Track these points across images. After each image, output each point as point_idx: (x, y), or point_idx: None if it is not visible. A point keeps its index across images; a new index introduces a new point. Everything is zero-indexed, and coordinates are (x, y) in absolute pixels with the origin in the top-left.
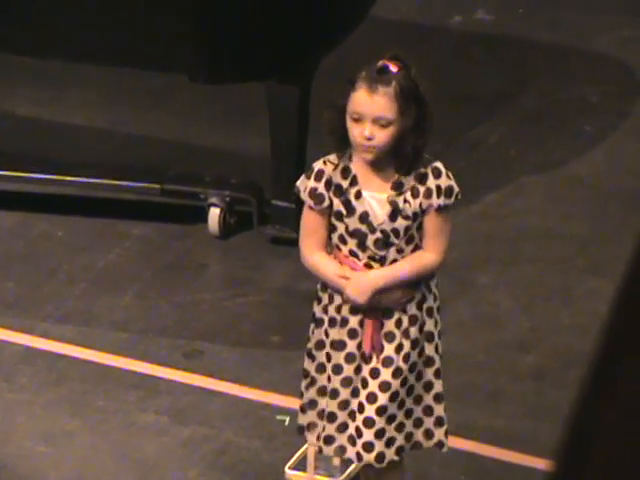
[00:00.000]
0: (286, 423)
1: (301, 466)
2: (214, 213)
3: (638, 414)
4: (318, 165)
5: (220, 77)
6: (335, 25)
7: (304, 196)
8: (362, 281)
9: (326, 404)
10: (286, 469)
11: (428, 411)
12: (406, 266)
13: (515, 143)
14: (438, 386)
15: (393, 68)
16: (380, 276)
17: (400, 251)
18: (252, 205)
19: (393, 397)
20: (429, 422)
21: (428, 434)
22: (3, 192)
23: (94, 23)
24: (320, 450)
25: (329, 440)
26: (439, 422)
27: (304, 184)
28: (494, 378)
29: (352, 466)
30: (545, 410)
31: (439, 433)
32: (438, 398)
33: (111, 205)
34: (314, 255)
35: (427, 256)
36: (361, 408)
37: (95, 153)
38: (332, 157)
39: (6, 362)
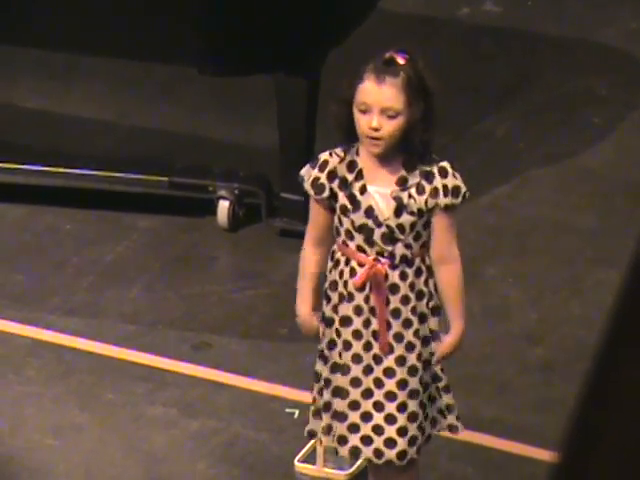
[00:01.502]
0: (295, 416)
1: (310, 459)
2: (223, 206)
3: None
4: (324, 156)
5: (228, 69)
6: (343, 17)
7: (307, 185)
8: (458, 342)
9: (335, 404)
10: (295, 462)
11: (436, 400)
12: (453, 297)
13: (523, 135)
14: (444, 379)
15: (400, 60)
16: (460, 329)
17: (408, 247)
18: (261, 198)
19: (412, 395)
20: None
21: (436, 418)
22: (10, 185)
23: (102, 15)
24: (337, 452)
25: (343, 440)
26: (449, 409)
27: (308, 173)
28: (502, 370)
29: (360, 459)
30: (553, 402)
31: (450, 418)
32: (446, 389)
33: (119, 198)
34: (308, 247)
35: (451, 268)
36: (379, 407)
37: (102, 145)
38: (339, 150)
39: (14, 355)
